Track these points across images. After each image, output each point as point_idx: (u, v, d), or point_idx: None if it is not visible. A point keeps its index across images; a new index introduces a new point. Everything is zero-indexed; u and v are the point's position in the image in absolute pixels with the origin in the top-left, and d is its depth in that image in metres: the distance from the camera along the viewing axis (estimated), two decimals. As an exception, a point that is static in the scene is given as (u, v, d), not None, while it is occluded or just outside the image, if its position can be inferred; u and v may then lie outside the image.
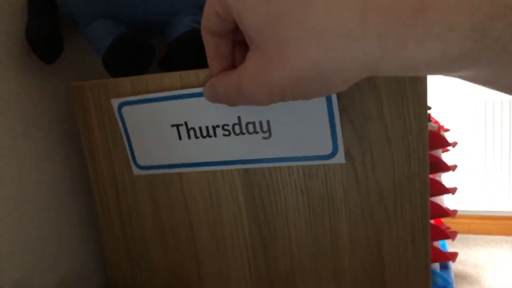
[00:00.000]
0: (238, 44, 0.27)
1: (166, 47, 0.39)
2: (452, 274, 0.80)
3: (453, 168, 0.65)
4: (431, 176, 0.64)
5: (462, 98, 1.90)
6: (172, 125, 0.35)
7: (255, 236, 0.36)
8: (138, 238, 0.41)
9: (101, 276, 0.48)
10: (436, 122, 0.87)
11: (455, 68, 0.18)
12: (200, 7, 0.40)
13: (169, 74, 0.34)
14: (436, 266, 0.80)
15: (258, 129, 0.32)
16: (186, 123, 0.34)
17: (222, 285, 0.39)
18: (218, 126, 0.33)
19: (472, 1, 0.16)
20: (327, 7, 0.18)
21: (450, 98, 1.92)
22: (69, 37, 0.43)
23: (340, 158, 0.31)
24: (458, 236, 1.74)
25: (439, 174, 0.73)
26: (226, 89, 0.26)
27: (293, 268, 0.36)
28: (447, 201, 0.88)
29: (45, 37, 0.37)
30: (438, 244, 0.88)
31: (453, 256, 0.81)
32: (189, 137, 0.34)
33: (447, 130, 0.95)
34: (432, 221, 0.76)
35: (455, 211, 0.67)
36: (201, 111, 0.33)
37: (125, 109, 0.36)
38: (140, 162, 0.37)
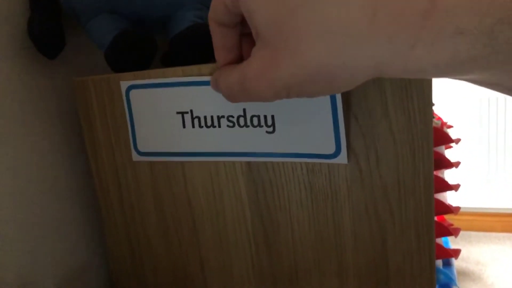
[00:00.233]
0: (246, 36, 0.27)
1: (169, 43, 0.39)
2: (455, 271, 0.80)
3: (456, 164, 0.65)
4: (434, 173, 0.64)
5: (465, 95, 1.89)
6: (178, 112, 0.34)
7: (258, 232, 0.36)
8: (141, 233, 0.41)
9: (104, 271, 0.49)
10: (439, 118, 0.86)
11: (463, 71, 0.18)
12: (202, 2, 0.40)
13: (172, 69, 0.34)
14: (439, 263, 0.80)
15: (262, 123, 0.32)
16: (191, 111, 0.34)
17: (225, 280, 0.39)
18: (223, 116, 0.33)
19: (482, 4, 0.16)
20: (338, 6, 0.18)
21: (453, 95, 1.91)
22: (71, 33, 0.43)
23: (342, 158, 0.31)
24: (461, 233, 1.73)
25: (442, 170, 0.73)
26: (229, 84, 0.26)
27: (296, 264, 0.36)
28: (450, 198, 0.88)
29: (47, 33, 0.37)
30: (441, 241, 0.87)
31: (456, 253, 0.80)
32: (193, 125, 0.34)
33: (450, 126, 0.94)
34: (435, 218, 0.76)
35: (458, 208, 0.67)
36: (208, 100, 0.33)
37: (133, 93, 0.36)
38: (141, 148, 0.37)
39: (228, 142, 0.34)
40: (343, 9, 0.18)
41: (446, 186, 0.58)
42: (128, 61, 0.37)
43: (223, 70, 0.27)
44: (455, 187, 0.62)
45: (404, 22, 0.17)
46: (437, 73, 0.19)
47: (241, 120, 0.33)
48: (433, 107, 0.95)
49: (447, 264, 0.84)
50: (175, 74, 0.34)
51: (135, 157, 0.38)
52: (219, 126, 0.33)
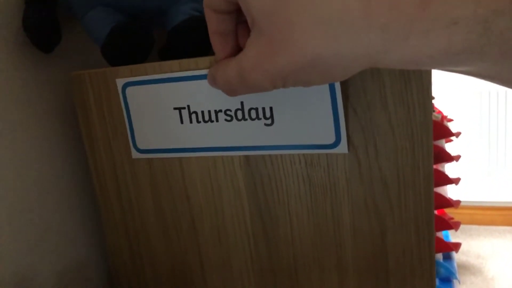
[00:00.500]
0: (242, 24, 0.27)
1: (166, 36, 0.39)
2: (455, 265, 0.80)
3: (457, 158, 0.65)
4: (434, 166, 0.63)
5: (465, 88, 1.89)
6: (175, 108, 0.34)
7: (256, 226, 0.36)
8: (140, 229, 0.40)
9: (103, 267, 0.48)
10: (440, 112, 0.86)
11: (457, 63, 0.18)
12: (200, -6, 0.39)
13: (169, 62, 0.34)
14: (439, 256, 0.80)
15: (260, 115, 0.32)
16: (188, 107, 0.34)
17: (224, 275, 0.39)
18: (220, 111, 0.33)
19: None
20: None
21: (453, 88, 1.90)
22: (67, 26, 0.43)
23: (343, 147, 0.31)
24: (461, 226, 1.73)
25: (442, 164, 0.72)
26: (227, 77, 0.26)
27: (295, 258, 0.36)
28: (450, 191, 0.88)
29: (42, 26, 0.36)
30: (441, 234, 0.87)
31: (456, 246, 0.80)
32: (190, 121, 0.34)
33: (450, 120, 0.94)
34: (435, 212, 0.76)
35: (458, 202, 0.66)
36: (205, 95, 0.33)
37: (129, 90, 0.35)
38: (140, 145, 0.37)
39: (226, 136, 0.34)
40: None
41: (447, 180, 0.57)
42: (124, 55, 0.37)
43: (219, 65, 0.27)
44: (456, 181, 0.62)
45: (398, 11, 0.17)
46: (431, 64, 0.19)
47: (239, 114, 0.32)
48: (433, 101, 0.95)
49: (448, 257, 0.84)
50: (172, 68, 0.34)
51: (135, 154, 0.38)
52: (217, 121, 0.33)
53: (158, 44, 0.41)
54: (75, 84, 0.38)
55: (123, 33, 0.36)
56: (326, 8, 0.19)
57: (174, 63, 0.33)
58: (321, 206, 0.34)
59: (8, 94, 0.37)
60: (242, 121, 0.32)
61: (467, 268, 1.52)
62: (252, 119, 0.32)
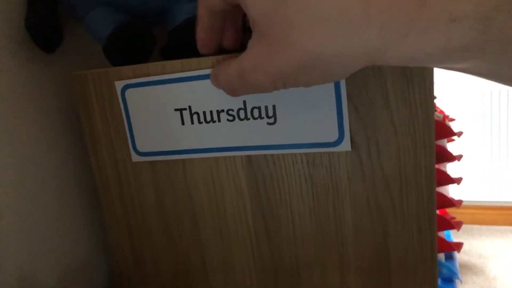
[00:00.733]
0: (229, 27, 0.28)
1: (167, 35, 0.39)
2: (457, 265, 0.80)
3: (459, 158, 0.64)
4: (436, 166, 0.63)
5: (467, 87, 1.89)
6: (176, 109, 0.34)
7: (258, 225, 0.36)
8: (142, 228, 0.41)
9: (105, 266, 0.49)
10: (441, 111, 0.86)
11: (457, 60, 0.18)
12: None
13: (171, 62, 0.34)
14: (441, 256, 0.80)
15: (263, 114, 0.32)
16: (190, 107, 0.34)
17: (226, 274, 0.39)
18: (222, 110, 0.33)
19: None
20: None
21: (455, 88, 1.90)
22: (69, 26, 0.43)
23: (346, 145, 0.31)
24: (463, 226, 1.73)
25: (444, 164, 0.72)
26: (228, 78, 0.26)
27: (297, 257, 0.36)
28: (452, 191, 0.87)
29: (44, 26, 0.36)
30: (443, 234, 0.87)
31: (458, 246, 0.80)
32: (192, 122, 0.34)
33: (452, 119, 0.94)
34: (437, 211, 0.76)
35: (460, 201, 0.66)
36: (207, 94, 0.33)
37: (128, 92, 0.35)
38: (140, 148, 0.37)
39: (229, 136, 0.34)
40: None
41: (448, 179, 0.57)
42: (126, 55, 0.37)
43: (221, 65, 0.27)
44: (457, 180, 0.62)
45: (397, 10, 0.17)
46: (431, 61, 0.19)
47: (241, 113, 0.32)
48: (435, 100, 0.95)
49: (450, 257, 0.84)
50: (174, 67, 0.34)
51: (135, 157, 0.38)
52: (219, 121, 0.33)
53: (160, 43, 0.41)
54: (77, 84, 0.38)
55: (125, 33, 0.36)
56: (325, 7, 0.19)
57: (177, 62, 0.34)
58: (323, 205, 0.34)
59: (9, 94, 0.38)
60: (245, 120, 0.32)
61: (469, 268, 1.52)
62: (254, 118, 0.32)
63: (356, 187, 0.32)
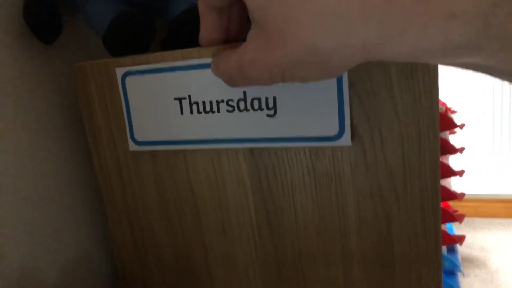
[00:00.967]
0: (234, 19, 0.28)
1: (167, 26, 0.38)
2: (459, 257, 0.80)
3: (461, 150, 0.64)
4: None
5: (470, 80, 1.88)
6: (175, 98, 0.34)
7: (261, 218, 0.36)
8: (144, 221, 0.40)
9: (108, 260, 0.48)
10: (444, 104, 0.85)
11: (455, 56, 0.18)
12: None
13: (171, 52, 0.33)
14: (444, 249, 0.80)
15: (263, 105, 0.31)
16: (189, 97, 0.33)
17: (229, 266, 0.38)
18: (222, 101, 0.32)
19: None
20: None
21: (457, 80, 1.89)
22: (68, 17, 0.42)
23: (346, 140, 0.30)
24: (466, 219, 1.73)
25: (446, 156, 0.72)
26: (228, 69, 0.26)
27: (300, 250, 0.35)
28: (454, 184, 0.87)
29: (43, 17, 0.36)
30: (445, 227, 0.87)
31: (461, 239, 0.80)
32: (191, 111, 0.34)
33: (454, 112, 0.93)
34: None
35: (462, 194, 0.66)
36: (207, 84, 0.32)
37: (128, 79, 0.35)
38: (138, 137, 0.37)
39: (228, 127, 0.33)
40: None
41: (451, 172, 0.57)
42: (126, 45, 0.36)
43: (222, 55, 0.27)
44: (460, 173, 0.61)
45: (396, 5, 0.17)
46: (429, 58, 0.19)
47: (241, 104, 0.32)
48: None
49: (452, 250, 0.84)
50: (174, 58, 0.33)
51: (132, 146, 0.37)
52: (218, 111, 0.33)
53: (160, 33, 0.40)
54: (77, 75, 0.38)
55: (125, 23, 0.35)
56: (322, 2, 0.18)
57: (177, 52, 0.33)
58: (326, 197, 0.33)
59: (7, 87, 0.37)
60: (244, 111, 0.32)
61: (471, 260, 1.52)
62: (254, 110, 0.32)
63: (360, 178, 0.32)
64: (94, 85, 0.37)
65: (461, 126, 0.77)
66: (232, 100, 0.32)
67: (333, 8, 0.18)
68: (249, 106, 0.32)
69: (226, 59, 0.26)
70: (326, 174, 0.33)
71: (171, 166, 0.37)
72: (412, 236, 0.32)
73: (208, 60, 0.32)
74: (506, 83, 1.81)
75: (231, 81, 0.27)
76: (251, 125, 0.32)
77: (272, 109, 0.31)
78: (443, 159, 0.68)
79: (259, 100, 0.31)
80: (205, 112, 0.33)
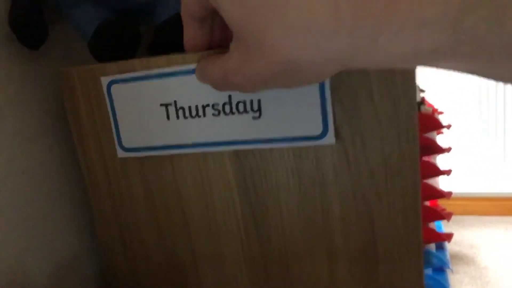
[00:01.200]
0: (216, 26, 0.28)
1: (153, 32, 0.39)
2: (448, 255, 0.81)
3: (448, 150, 0.65)
4: (426, 158, 0.64)
5: (456, 81, 1.90)
6: (161, 105, 0.34)
7: (247, 218, 0.36)
8: (131, 223, 0.41)
9: (96, 262, 0.49)
10: (430, 105, 0.87)
11: (429, 62, 0.18)
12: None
13: (156, 58, 0.34)
14: (432, 246, 0.81)
15: (248, 108, 0.32)
16: (175, 102, 0.34)
17: (216, 266, 0.39)
18: (208, 105, 0.33)
19: None
20: (301, 2, 0.18)
21: (444, 81, 1.92)
22: (54, 22, 0.43)
23: (330, 138, 0.31)
24: (454, 217, 1.75)
25: (434, 156, 0.73)
26: (213, 76, 0.27)
27: (286, 249, 0.36)
28: (442, 183, 0.88)
29: (29, 23, 0.36)
30: (434, 225, 0.88)
31: (449, 236, 0.81)
32: (177, 116, 0.34)
33: (441, 112, 0.95)
34: (427, 203, 0.77)
35: (450, 193, 0.67)
36: (191, 89, 0.33)
37: (114, 88, 0.35)
38: (126, 144, 0.37)
39: (214, 131, 0.34)
40: (306, 4, 0.18)
41: (438, 171, 0.58)
42: (111, 51, 0.37)
43: (207, 63, 0.28)
44: (447, 172, 0.63)
45: (366, 15, 0.17)
46: (403, 64, 0.19)
47: (227, 108, 0.32)
48: (424, 94, 0.96)
49: (440, 247, 0.85)
50: (159, 63, 0.34)
51: (120, 153, 0.38)
52: (204, 116, 0.33)
53: (146, 39, 0.41)
54: (63, 80, 0.38)
55: (110, 29, 0.36)
56: (294, 15, 0.19)
57: (162, 58, 0.34)
58: (310, 198, 0.34)
59: (-4, 92, 0.37)
60: (230, 115, 0.33)
61: (460, 257, 1.54)
62: (240, 113, 0.32)
63: (342, 179, 0.33)
64: (80, 90, 0.37)
65: (448, 127, 0.78)
66: (217, 104, 0.33)
67: (305, 21, 0.18)
68: (234, 109, 0.33)
69: (211, 67, 0.27)
70: (310, 175, 0.33)
71: (157, 170, 0.38)
72: (394, 234, 0.33)
73: (192, 66, 0.32)
74: (492, 82, 1.84)
75: (216, 88, 0.27)
76: (237, 128, 0.33)
77: (257, 111, 0.32)
78: (430, 158, 0.70)
79: (244, 103, 0.32)
80: (191, 116, 0.34)
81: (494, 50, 0.16)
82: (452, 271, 0.75)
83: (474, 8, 0.15)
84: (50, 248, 0.43)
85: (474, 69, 0.18)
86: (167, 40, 0.38)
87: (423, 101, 0.82)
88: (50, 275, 0.42)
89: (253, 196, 0.35)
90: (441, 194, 0.62)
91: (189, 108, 0.34)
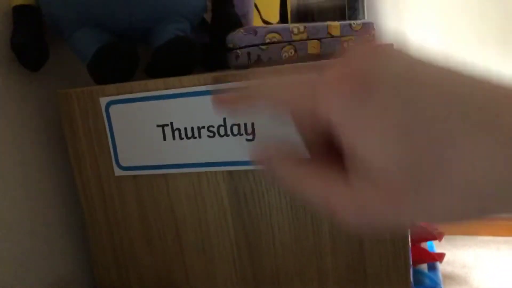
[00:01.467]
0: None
1: (151, 54, 0.40)
2: (440, 275, 0.81)
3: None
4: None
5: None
6: (158, 125, 0.35)
7: (240, 238, 0.37)
8: (126, 243, 0.41)
9: (90, 281, 0.49)
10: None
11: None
12: (183, 15, 0.41)
13: (154, 80, 0.35)
14: (424, 267, 0.81)
15: (242, 131, 0.33)
16: (171, 124, 0.35)
17: (209, 285, 0.39)
18: (203, 127, 0.34)
19: None
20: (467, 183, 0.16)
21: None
22: (55, 45, 0.44)
23: None
24: (447, 237, 1.75)
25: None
26: (310, 192, 0.21)
27: (277, 268, 0.37)
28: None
29: (30, 46, 0.37)
30: (425, 245, 0.89)
31: (440, 256, 0.82)
32: (173, 137, 0.35)
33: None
34: (419, 223, 0.78)
35: (441, 234, 0.68)
36: (187, 111, 0.34)
37: (112, 108, 0.36)
38: (123, 162, 0.38)
39: (209, 152, 0.35)
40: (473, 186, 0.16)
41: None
42: (110, 74, 0.38)
43: (334, 194, 0.20)
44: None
45: None
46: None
47: (221, 130, 0.34)
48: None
49: (432, 268, 0.85)
50: (157, 86, 0.35)
51: (117, 171, 0.38)
52: (200, 137, 0.34)
53: (144, 61, 0.42)
54: (62, 101, 0.39)
55: (109, 53, 0.37)
56: (455, 174, 0.16)
57: (159, 81, 0.35)
58: (302, 218, 0.35)
59: (-5, 112, 0.38)
60: (224, 137, 0.34)
61: (452, 278, 1.53)
62: (234, 135, 0.33)
63: (333, 200, 0.33)
64: (78, 111, 0.38)
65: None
66: (212, 126, 0.34)
67: (466, 187, 0.16)
68: (229, 132, 0.34)
69: (312, 182, 0.20)
70: (301, 196, 0.34)
71: (152, 189, 0.38)
72: (383, 255, 0.34)
73: (188, 89, 0.33)
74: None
75: (291, 190, 0.21)
76: (231, 149, 0.34)
77: (251, 134, 0.33)
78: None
79: (239, 125, 0.33)
80: (187, 137, 0.35)
81: None
82: (444, 291, 0.75)
83: None
84: (44, 267, 0.43)
85: None
86: (164, 63, 0.39)
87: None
88: (43, 293, 0.42)
89: (246, 216, 0.36)
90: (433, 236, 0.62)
91: (185, 129, 0.35)
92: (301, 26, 0.38)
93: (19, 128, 0.41)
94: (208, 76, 0.33)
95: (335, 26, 0.42)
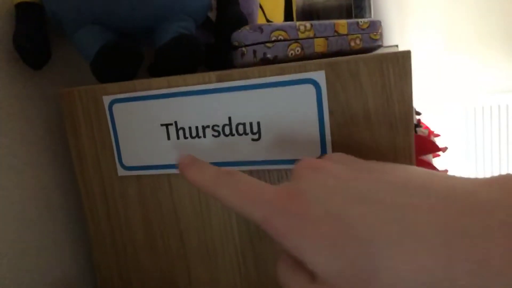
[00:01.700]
0: None
1: (154, 53, 0.39)
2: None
3: (444, 172, 0.66)
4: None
5: (452, 104, 1.92)
6: (162, 125, 0.35)
7: (245, 242, 0.36)
8: (128, 245, 0.40)
9: (90, 282, 0.48)
10: (427, 127, 0.87)
11: None
12: (187, 13, 0.40)
13: (157, 79, 0.34)
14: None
15: (248, 130, 0.32)
16: (176, 123, 0.34)
17: (212, 291, 0.38)
18: (208, 126, 0.33)
19: None
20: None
21: (440, 104, 1.94)
22: (58, 43, 0.43)
23: None
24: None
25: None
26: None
27: (283, 273, 0.36)
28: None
29: (32, 44, 0.37)
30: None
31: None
32: (178, 137, 0.34)
33: (437, 135, 0.95)
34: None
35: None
36: (192, 110, 0.33)
37: (115, 107, 0.36)
38: (126, 162, 0.37)
39: (214, 152, 0.34)
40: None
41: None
42: (113, 72, 0.37)
43: (289, 268, 0.23)
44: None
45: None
46: None
47: (227, 129, 0.33)
48: (420, 116, 0.96)
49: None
50: (160, 85, 0.34)
51: (121, 172, 0.38)
52: (204, 137, 0.34)
53: (148, 60, 0.42)
54: (64, 100, 0.38)
55: (112, 51, 0.36)
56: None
57: (163, 80, 0.34)
58: (308, 220, 0.34)
59: (-4, 111, 0.38)
60: (230, 136, 0.33)
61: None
62: (239, 134, 0.33)
63: (340, 202, 0.33)
64: (81, 110, 0.38)
65: (444, 149, 0.79)
66: (217, 126, 0.33)
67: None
68: (234, 131, 0.33)
69: (291, 276, 0.22)
70: (308, 198, 0.33)
71: (155, 190, 0.38)
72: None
73: (193, 88, 0.33)
74: (487, 106, 1.86)
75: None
76: (236, 149, 0.33)
77: (257, 133, 0.32)
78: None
79: (244, 125, 0.32)
80: (191, 137, 0.34)
81: None
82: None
83: None
84: (44, 269, 0.42)
85: None
86: (167, 62, 0.38)
87: (419, 123, 0.83)
88: (43, 296, 0.42)
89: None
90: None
91: (189, 128, 0.34)
92: (307, 23, 0.38)
93: (21, 127, 0.40)
94: (213, 74, 0.33)
95: (342, 24, 0.41)
